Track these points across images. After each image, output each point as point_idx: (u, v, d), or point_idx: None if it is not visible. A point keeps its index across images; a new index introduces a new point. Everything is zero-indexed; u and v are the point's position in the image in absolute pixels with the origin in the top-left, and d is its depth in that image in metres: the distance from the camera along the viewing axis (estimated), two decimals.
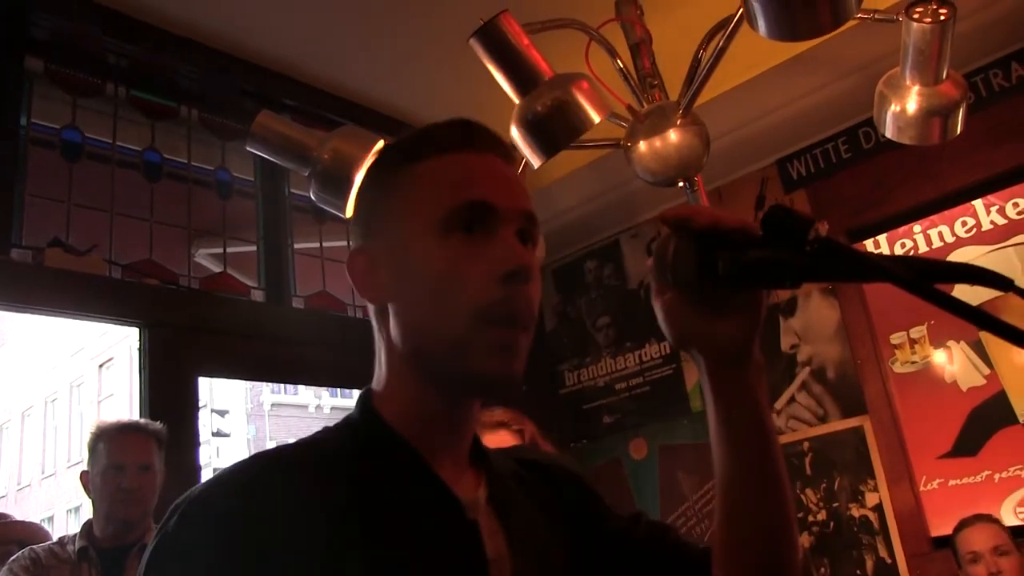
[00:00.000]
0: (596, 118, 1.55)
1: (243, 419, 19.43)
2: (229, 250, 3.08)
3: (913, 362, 2.94)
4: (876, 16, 1.80)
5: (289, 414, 19.30)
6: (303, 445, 0.87)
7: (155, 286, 2.70)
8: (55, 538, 2.41)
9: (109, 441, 2.31)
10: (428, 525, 0.81)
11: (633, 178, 2.03)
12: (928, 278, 0.66)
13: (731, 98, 3.07)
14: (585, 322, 3.78)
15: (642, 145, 1.79)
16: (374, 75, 3.14)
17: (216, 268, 3.07)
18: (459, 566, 0.80)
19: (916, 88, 1.77)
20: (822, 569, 2.90)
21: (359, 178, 1.58)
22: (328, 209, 1.67)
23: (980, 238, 2.87)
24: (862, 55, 2.81)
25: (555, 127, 1.66)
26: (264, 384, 17.40)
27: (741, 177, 3.31)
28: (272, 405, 19.77)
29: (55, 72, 2.62)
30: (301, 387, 18.43)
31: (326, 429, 0.91)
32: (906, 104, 1.77)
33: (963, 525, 2.51)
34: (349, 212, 1.66)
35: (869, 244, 3.05)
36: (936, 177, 2.91)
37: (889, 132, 1.81)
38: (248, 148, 1.67)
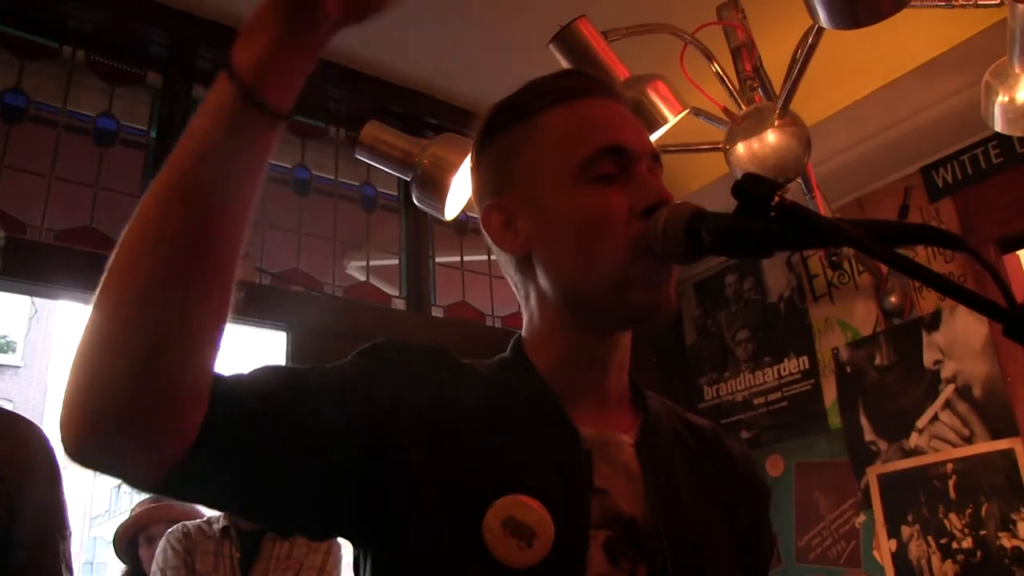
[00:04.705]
0: (670, 116, 1.57)
1: None
2: (373, 262, 3.27)
3: None
4: (978, 1, 1.71)
5: None
6: (462, 358, 0.94)
7: (301, 293, 2.92)
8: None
9: None
10: (543, 449, 0.85)
11: None
12: (885, 240, 0.66)
13: (870, 103, 2.96)
14: (724, 336, 3.72)
15: (740, 147, 1.78)
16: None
17: (362, 279, 3.26)
18: (565, 487, 0.83)
19: None
20: None
21: (455, 182, 1.68)
22: (429, 212, 1.78)
23: None
24: None
25: None
26: None
27: (884, 186, 3.16)
28: None
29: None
30: None
31: (479, 360, 0.96)
32: (1015, 93, 1.67)
33: None
34: (449, 215, 1.75)
35: (1023, 255, 2.85)
36: None
37: (998, 125, 1.72)
38: (356, 155, 1.81)
